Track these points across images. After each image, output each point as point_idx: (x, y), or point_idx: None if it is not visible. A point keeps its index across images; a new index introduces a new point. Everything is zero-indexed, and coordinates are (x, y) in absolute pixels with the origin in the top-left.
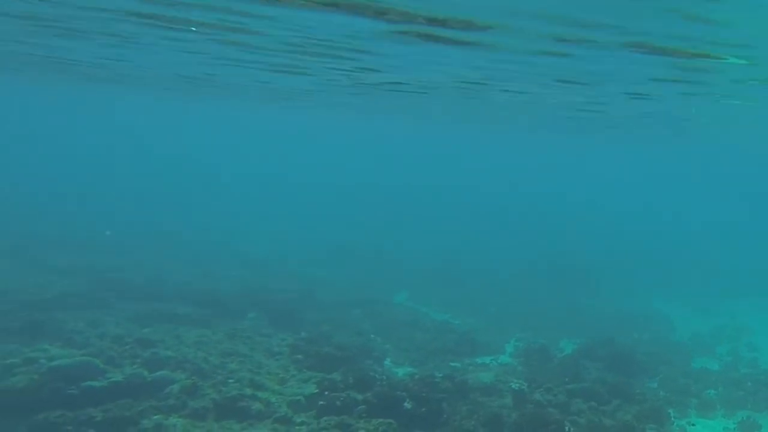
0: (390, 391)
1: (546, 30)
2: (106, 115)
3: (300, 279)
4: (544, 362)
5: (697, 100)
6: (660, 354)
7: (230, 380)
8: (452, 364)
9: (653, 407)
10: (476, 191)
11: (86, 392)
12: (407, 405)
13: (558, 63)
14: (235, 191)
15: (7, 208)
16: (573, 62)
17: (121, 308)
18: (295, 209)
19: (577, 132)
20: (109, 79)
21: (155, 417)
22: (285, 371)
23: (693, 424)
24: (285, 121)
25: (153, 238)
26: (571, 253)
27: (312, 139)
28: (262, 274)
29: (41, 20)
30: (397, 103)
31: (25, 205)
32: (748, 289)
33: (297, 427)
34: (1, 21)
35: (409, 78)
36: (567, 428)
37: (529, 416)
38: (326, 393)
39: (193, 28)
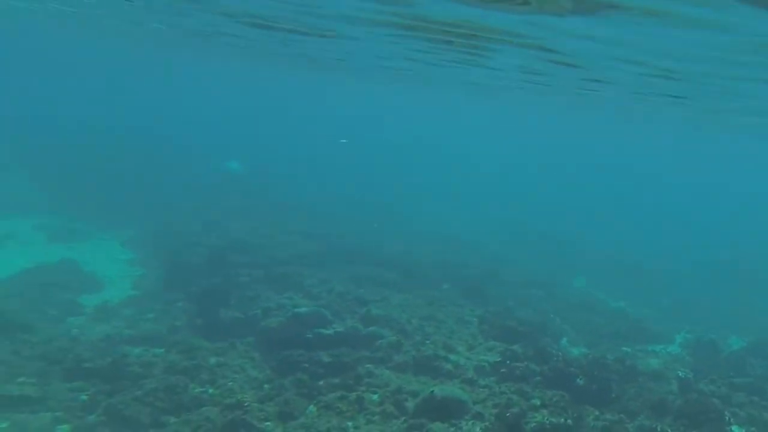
0: (565, 367)
1: None
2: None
3: (489, 257)
4: (711, 355)
5: None
6: None
7: (427, 341)
8: (623, 348)
9: None
10: (659, 189)
11: (318, 337)
12: (580, 381)
13: None
14: (446, 175)
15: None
16: None
17: (343, 269)
18: (491, 192)
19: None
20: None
21: (367, 366)
22: (473, 339)
23: None
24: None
25: (373, 213)
26: (747, 253)
27: (515, 127)
28: (456, 250)
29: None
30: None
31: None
32: None
33: (480, 389)
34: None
35: None
36: (727, 418)
37: (693, 403)
38: (508, 362)
39: None
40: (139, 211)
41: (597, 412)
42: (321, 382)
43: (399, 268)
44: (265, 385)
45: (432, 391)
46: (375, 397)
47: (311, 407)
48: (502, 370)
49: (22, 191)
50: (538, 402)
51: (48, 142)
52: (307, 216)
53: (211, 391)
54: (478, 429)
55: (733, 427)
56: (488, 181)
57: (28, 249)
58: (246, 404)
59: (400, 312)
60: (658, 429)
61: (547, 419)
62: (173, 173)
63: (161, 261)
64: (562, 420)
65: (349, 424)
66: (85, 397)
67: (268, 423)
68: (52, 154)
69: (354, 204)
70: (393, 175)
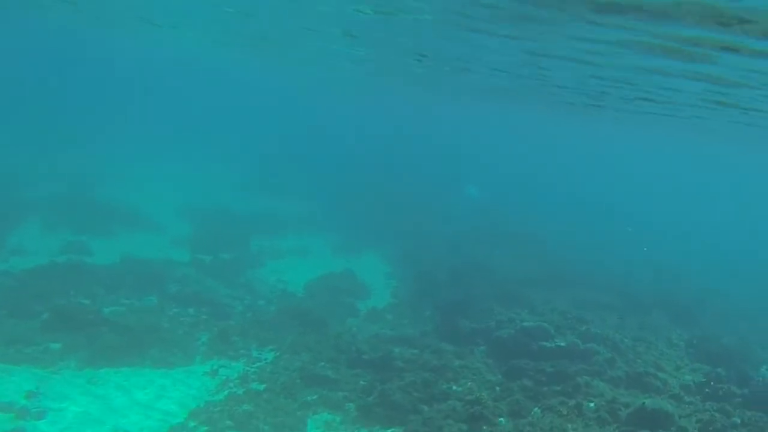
0: (764, 390)
1: None
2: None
3: (697, 286)
4: None
5: None
6: None
7: (639, 359)
8: None
9: None
10: None
11: (542, 349)
12: None
13: None
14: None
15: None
16: None
17: (564, 291)
18: (696, 222)
19: None
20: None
21: (585, 377)
22: (680, 360)
23: None
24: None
25: (590, 241)
26: None
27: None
28: (666, 278)
29: None
30: None
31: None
32: None
33: (686, 405)
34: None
35: None
36: None
37: None
38: (712, 383)
39: None
40: (394, 232)
41: None
42: (544, 389)
43: (613, 293)
44: (497, 388)
45: (643, 403)
46: (591, 404)
47: (536, 409)
48: (705, 390)
49: (314, 214)
50: (738, 420)
51: (329, 174)
52: (535, 243)
53: (455, 387)
54: None
55: None
56: (693, 210)
57: (320, 260)
58: (483, 401)
59: (615, 332)
60: None
61: None
62: (422, 199)
63: (412, 275)
64: None
65: (569, 426)
66: (364, 382)
67: (501, 419)
68: (331, 184)
69: (575, 232)
70: (611, 206)
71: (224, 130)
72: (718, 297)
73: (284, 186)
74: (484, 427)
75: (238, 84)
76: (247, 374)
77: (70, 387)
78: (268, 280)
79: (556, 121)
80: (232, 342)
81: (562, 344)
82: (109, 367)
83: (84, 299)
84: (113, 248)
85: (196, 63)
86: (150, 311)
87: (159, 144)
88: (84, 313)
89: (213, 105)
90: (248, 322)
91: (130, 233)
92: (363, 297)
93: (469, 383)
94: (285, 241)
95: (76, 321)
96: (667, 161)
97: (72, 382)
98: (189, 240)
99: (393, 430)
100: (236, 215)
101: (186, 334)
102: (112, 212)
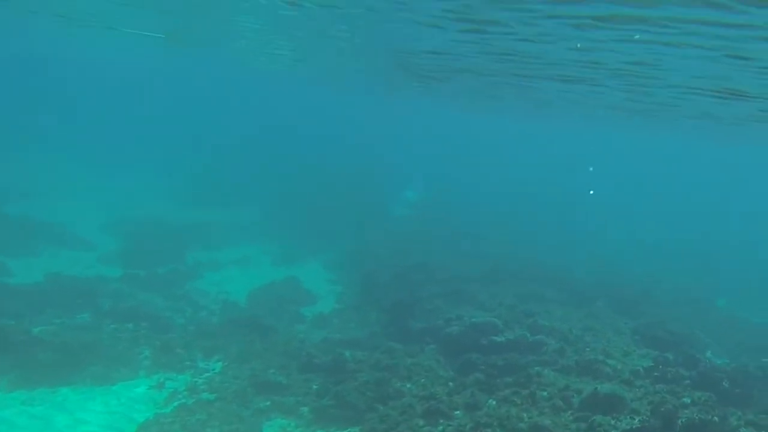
0: (711, 372)
1: None
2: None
3: (637, 276)
4: None
5: None
6: None
7: (587, 348)
8: (765, 360)
9: None
10: None
11: (492, 343)
12: (725, 384)
13: None
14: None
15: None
16: None
17: (509, 286)
18: (639, 213)
19: None
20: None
21: (536, 368)
22: (628, 347)
23: None
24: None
25: (530, 236)
26: None
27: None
28: (608, 270)
29: None
30: None
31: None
32: None
33: (636, 389)
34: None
35: None
36: None
37: None
38: (660, 367)
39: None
40: (336, 238)
41: (740, 413)
42: (497, 381)
43: (558, 286)
44: (450, 383)
45: (596, 389)
46: (545, 393)
47: (491, 401)
48: (655, 374)
49: (252, 222)
50: (688, 401)
51: (268, 179)
52: (476, 240)
53: (408, 385)
54: (636, 421)
55: None
56: (632, 201)
57: (261, 269)
58: (438, 396)
59: (562, 323)
60: None
61: (696, 416)
62: (363, 203)
63: (356, 280)
64: (709, 417)
65: (525, 414)
66: (316, 386)
67: (457, 412)
68: (270, 190)
69: (515, 228)
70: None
71: (157, 137)
72: (659, 286)
73: (221, 194)
74: (441, 421)
75: (172, 88)
76: (195, 385)
77: (3, 409)
78: (209, 292)
79: (496, 120)
80: (176, 354)
81: (512, 337)
82: (46, 387)
83: (8, 320)
84: (35, 267)
85: (126, 65)
86: (85, 328)
87: (85, 153)
88: (11, 333)
89: (146, 111)
90: (191, 334)
91: (55, 251)
92: (308, 304)
93: (423, 380)
94: (224, 252)
95: (3, 341)
96: (608, 152)
97: (4, 403)
98: (121, 255)
99: (350, 430)
100: (171, 227)
101: (127, 349)
102: (32, 229)
